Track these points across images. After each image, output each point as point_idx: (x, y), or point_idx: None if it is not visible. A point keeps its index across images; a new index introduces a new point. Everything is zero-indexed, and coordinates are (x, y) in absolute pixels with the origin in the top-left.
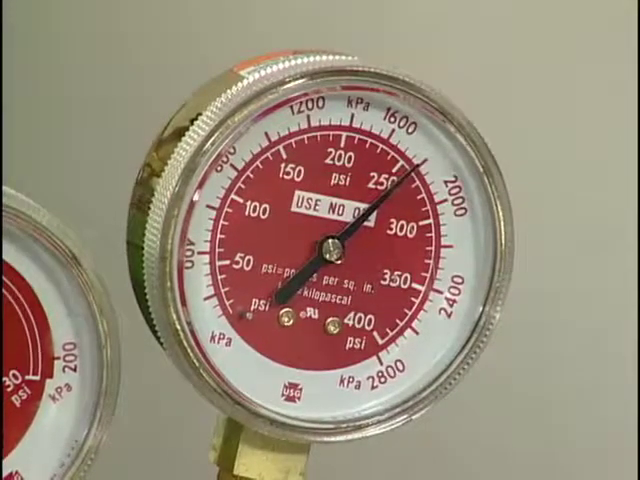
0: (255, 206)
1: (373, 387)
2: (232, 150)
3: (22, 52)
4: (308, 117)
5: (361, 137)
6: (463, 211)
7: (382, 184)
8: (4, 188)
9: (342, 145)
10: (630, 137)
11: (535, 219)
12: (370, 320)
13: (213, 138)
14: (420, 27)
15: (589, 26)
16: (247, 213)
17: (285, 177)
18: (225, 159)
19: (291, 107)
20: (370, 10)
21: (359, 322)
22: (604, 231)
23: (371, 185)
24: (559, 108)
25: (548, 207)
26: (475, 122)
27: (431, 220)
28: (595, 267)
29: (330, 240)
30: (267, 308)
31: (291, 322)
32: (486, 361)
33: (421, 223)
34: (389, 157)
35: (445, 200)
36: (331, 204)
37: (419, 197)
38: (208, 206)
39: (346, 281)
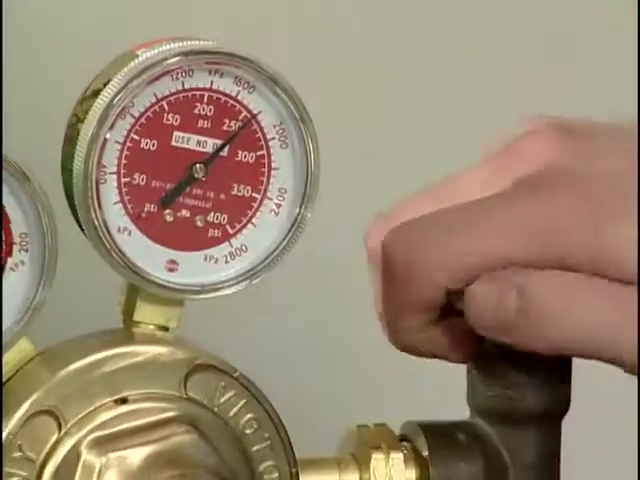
0: (147, 142)
1: (227, 262)
2: (131, 104)
3: None
4: (183, 83)
5: (218, 96)
6: (286, 145)
7: (232, 127)
8: None
9: (205, 101)
10: None
11: None
12: (225, 218)
13: (119, 96)
14: (263, 22)
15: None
16: (142, 146)
17: (167, 122)
18: (127, 110)
19: (171, 76)
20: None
21: (217, 219)
22: None
23: (225, 128)
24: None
25: None
26: (294, 85)
27: (264, 151)
28: None
29: (198, 165)
30: (156, 210)
31: (172, 219)
32: None
33: (258, 153)
34: (236, 109)
35: (274, 138)
36: (198, 140)
37: (257, 136)
38: (116, 142)
39: (208, 192)
